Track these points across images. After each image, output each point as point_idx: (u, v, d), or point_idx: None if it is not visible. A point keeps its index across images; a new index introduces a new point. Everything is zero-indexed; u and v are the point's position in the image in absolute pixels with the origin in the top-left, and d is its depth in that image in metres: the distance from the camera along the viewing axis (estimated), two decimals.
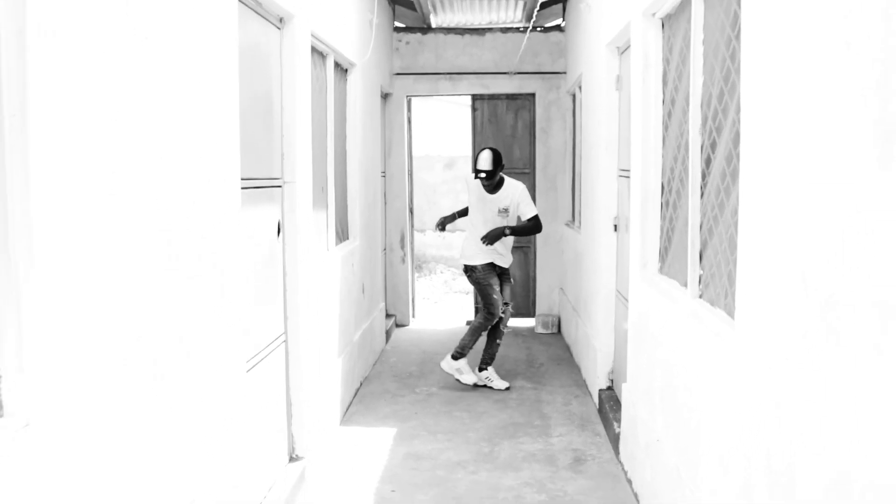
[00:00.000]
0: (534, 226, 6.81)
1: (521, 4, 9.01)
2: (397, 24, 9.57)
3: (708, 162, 3.78)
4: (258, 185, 4.22)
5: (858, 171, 1.97)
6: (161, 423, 2.84)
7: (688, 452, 3.63)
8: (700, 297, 3.82)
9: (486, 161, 6.61)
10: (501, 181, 6.83)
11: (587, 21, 7.20)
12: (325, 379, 5.50)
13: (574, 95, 8.86)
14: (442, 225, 7.13)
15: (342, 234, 6.65)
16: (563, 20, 9.43)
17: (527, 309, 9.89)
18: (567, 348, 8.51)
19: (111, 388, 2.46)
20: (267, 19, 4.39)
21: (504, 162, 6.81)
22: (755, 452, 2.69)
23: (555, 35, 9.45)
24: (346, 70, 6.75)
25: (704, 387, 3.40)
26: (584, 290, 7.35)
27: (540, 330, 9.42)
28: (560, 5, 9.38)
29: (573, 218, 8.84)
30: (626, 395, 5.06)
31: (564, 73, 9.35)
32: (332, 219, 6.10)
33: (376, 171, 8.22)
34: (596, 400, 6.37)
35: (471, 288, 12.50)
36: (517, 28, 9.52)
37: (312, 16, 5.05)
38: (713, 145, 3.69)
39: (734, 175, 3.38)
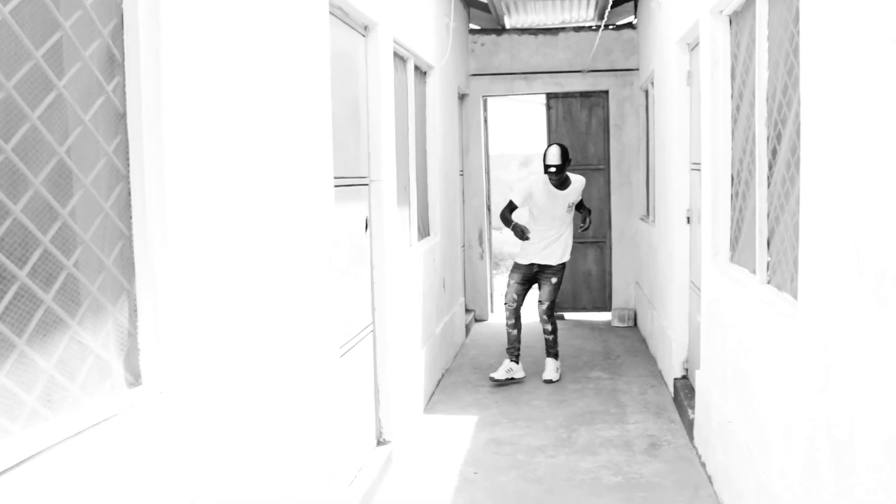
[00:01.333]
0: (586, 209, 7.36)
1: (593, 3, 9.21)
2: (472, 26, 9.85)
3: (774, 153, 3.94)
4: (348, 183, 4.54)
5: None
6: (271, 398, 3.17)
7: (757, 431, 3.80)
8: (768, 282, 3.98)
9: (554, 156, 6.83)
10: (567, 177, 7.03)
11: (658, 19, 7.35)
12: (409, 368, 5.80)
13: (647, 91, 8.99)
14: (522, 232, 6.98)
15: (424, 231, 6.95)
16: (636, 17, 9.56)
17: (603, 303, 10.07)
18: (643, 341, 8.65)
19: (232, 363, 2.79)
20: (353, 27, 4.70)
21: (576, 157, 7.04)
22: (818, 423, 2.87)
23: (627, 32, 9.59)
24: (425, 73, 7.04)
25: (771, 367, 3.57)
26: (659, 282, 7.49)
27: (616, 323, 9.57)
28: (632, 3, 9.53)
29: (647, 212, 8.98)
30: (700, 381, 5.22)
31: (637, 69, 9.49)
32: (415, 216, 6.39)
33: (455, 170, 8.51)
34: (671, 389, 6.52)
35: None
36: (590, 27, 9.70)
37: (394, 23, 5.35)
38: (778, 137, 3.85)
39: (798, 165, 3.54)
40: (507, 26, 9.89)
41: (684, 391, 6.05)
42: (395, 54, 5.71)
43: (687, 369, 6.39)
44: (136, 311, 2.33)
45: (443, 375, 7.31)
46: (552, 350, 7.18)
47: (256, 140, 3.04)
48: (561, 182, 6.96)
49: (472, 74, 9.78)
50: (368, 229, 4.98)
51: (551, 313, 7.15)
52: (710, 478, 4.78)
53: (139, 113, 2.29)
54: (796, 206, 3.56)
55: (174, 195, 2.39)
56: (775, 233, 3.92)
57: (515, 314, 7.10)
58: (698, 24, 5.32)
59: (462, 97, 9.49)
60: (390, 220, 5.21)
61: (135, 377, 2.32)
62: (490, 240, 10.41)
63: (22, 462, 1.75)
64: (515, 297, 7.12)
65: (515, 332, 7.08)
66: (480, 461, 5.22)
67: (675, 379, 6.42)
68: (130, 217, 2.31)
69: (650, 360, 7.79)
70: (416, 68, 6.62)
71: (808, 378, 2.99)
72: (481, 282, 10.07)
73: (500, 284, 12.93)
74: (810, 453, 2.96)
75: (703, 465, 4.98)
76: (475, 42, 9.79)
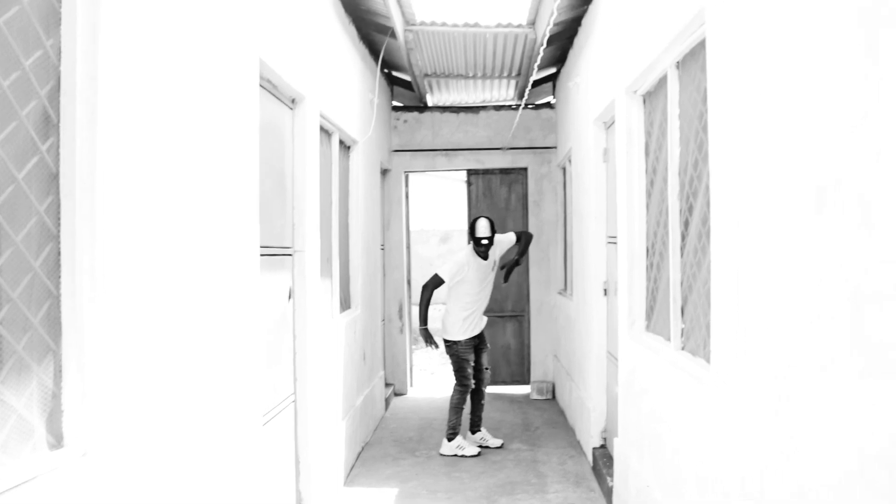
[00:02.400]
0: (523, 239, 7.44)
1: (513, 84, 9.53)
2: (395, 103, 10.06)
3: (686, 224, 4.13)
4: (272, 252, 4.56)
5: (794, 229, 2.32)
6: (194, 465, 3.12)
7: (675, 492, 3.89)
8: (682, 349, 4.14)
9: (485, 228, 7.02)
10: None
11: (575, 98, 7.66)
12: (329, 440, 5.74)
13: (564, 169, 9.29)
14: (428, 337, 7.13)
15: (345, 303, 6.96)
16: (554, 97, 9.92)
17: (522, 376, 10.17)
18: (561, 412, 8.74)
19: (156, 428, 2.75)
20: (281, 100, 4.79)
21: (496, 227, 7.26)
22: (732, 479, 2.97)
23: (545, 112, 9.94)
24: (349, 147, 7.15)
25: (687, 428, 3.69)
26: (577, 353, 7.63)
27: (535, 396, 9.66)
28: (550, 83, 9.89)
29: (565, 286, 9.18)
30: (618, 448, 5.31)
31: (555, 147, 9.81)
32: (337, 287, 6.41)
33: (376, 243, 8.58)
34: (590, 458, 6.60)
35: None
36: (509, 105, 10.02)
37: (320, 97, 5.46)
38: (690, 209, 4.05)
39: (708, 235, 3.73)
40: (430, 104, 10.14)
41: (603, 460, 6.13)
42: (321, 128, 5.80)
43: (605, 438, 6.48)
44: (61, 371, 2.30)
45: (363, 448, 7.24)
46: (482, 417, 7.40)
47: (185, 207, 3.06)
48: (485, 254, 7.16)
49: (395, 150, 9.95)
50: (291, 299, 4.98)
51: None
52: None
53: (73, 173, 2.30)
54: (708, 273, 3.73)
55: (104, 256, 2.39)
56: (688, 300, 4.09)
57: (469, 393, 7.20)
58: (614, 104, 5.58)
59: (384, 172, 9.63)
60: (313, 291, 5.22)
61: (57, 439, 2.28)
62: (409, 314, 10.45)
63: None
64: (473, 378, 7.22)
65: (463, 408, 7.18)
66: None
67: (593, 448, 6.50)
68: (59, 276, 2.29)
69: (569, 431, 7.87)
70: (341, 142, 6.73)
71: (721, 436, 3.11)
72: (401, 355, 10.07)
73: (419, 359, 12.95)
74: None
75: None
76: (398, 119, 9.99)
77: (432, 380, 11.40)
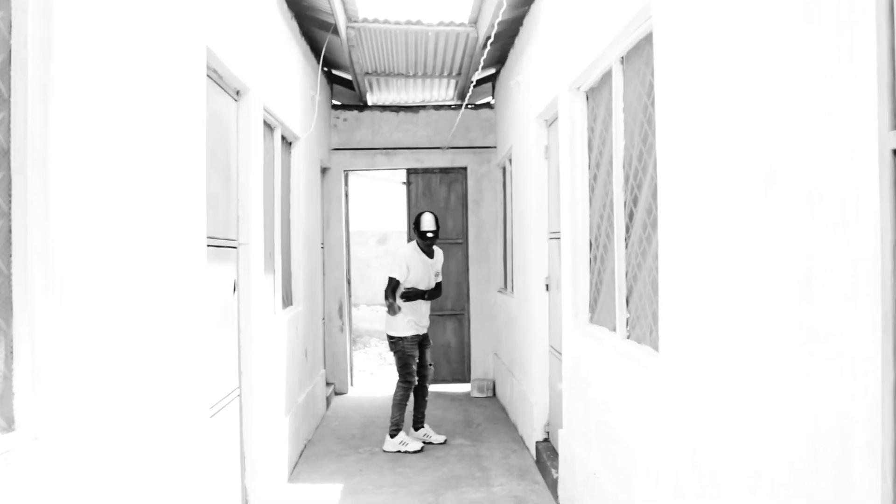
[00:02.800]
0: (441, 288, 7.51)
1: (453, 84, 9.57)
2: (335, 101, 10.02)
3: (631, 216, 4.21)
4: (217, 244, 4.50)
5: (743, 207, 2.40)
6: (142, 453, 3.06)
7: (623, 477, 3.96)
8: (628, 337, 4.21)
9: (430, 222, 7.07)
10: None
11: (516, 97, 7.74)
12: (274, 436, 5.69)
13: (504, 168, 9.37)
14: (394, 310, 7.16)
15: (287, 300, 6.90)
16: (493, 98, 10.00)
17: (462, 374, 10.20)
18: (503, 409, 8.81)
19: (105, 414, 2.70)
20: (226, 91, 4.73)
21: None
22: (682, 454, 3.04)
23: (485, 112, 10.01)
24: (291, 143, 7.10)
25: (635, 413, 3.76)
26: (519, 349, 7.70)
27: (476, 394, 9.71)
28: (489, 84, 9.97)
29: (505, 284, 9.25)
30: (563, 439, 5.38)
31: (494, 147, 9.88)
32: (279, 283, 6.36)
33: (317, 242, 8.52)
34: (533, 453, 6.66)
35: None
36: (449, 105, 10.06)
37: (264, 90, 5.42)
38: (635, 200, 4.13)
39: (654, 225, 3.82)
40: (370, 103, 10.12)
41: (546, 453, 6.20)
42: (265, 122, 5.75)
43: (548, 432, 6.55)
44: (12, 352, 2.24)
45: (305, 446, 7.19)
46: (425, 413, 7.44)
47: (134, 191, 3.01)
48: (431, 250, 7.19)
49: (334, 149, 9.91)
50: (236, 292, 4.93)
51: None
52: None
53: (24, 149, 2.25)
54: (653, 263, 3.82)
55: (57, 235, 2.34)
56: (633, 290, 4.17)
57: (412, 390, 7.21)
58: (557, 100, 5.66)
59: (324, 171, 9.58)
60: (258, 285, 5.17)
61: (8, 422, 2.22)
62: (350, 313, 10.41)
63: None
64: (416, 374, 7.24)
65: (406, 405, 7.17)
66: None
67: (536, 442, 6.57)
68: (10, 255, 2.24)
69: (511, 427, 7.93)
70: (283, 138, 6.68)
71: (672, 417, 3.18)
72: (341, 354, 10.01)
73: (358, 360, 12.90)
74: (676, 482, 3.13)
75: None
76: (337, 117, 9.95)
77: (372, 380, 11.37)
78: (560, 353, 6.06)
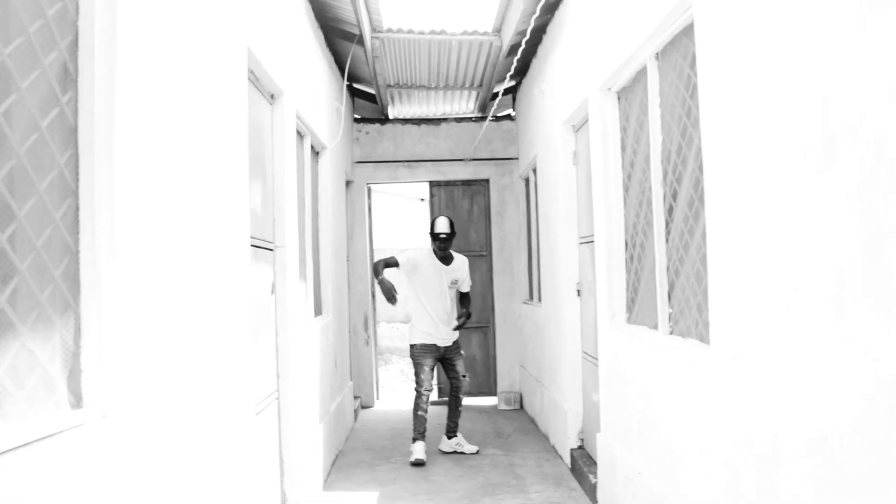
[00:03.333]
0: (469, 300, 7.39)
1: (474, 96, 9.62)
2: (356, 115, 10.07)
3: (670, 211, 4.20)
4: (257, 244, 4.51)
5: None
6: (194, 439, 3.06)
7: (670, 472, 3.92)
8: (671, 333, 4.19)
9: (443, 224, 6.99)
10: (450, 254, 7.19)
11: (541, 105, 7.76)
12: (309, 442, 5.67)
13: (528, 179, 9.38)
14: (389, 290, 6.78)
15: (317, 309, 6.90)
16: (514, 110, 10.03)
17: (488, 387, 10.16)
18: (532, 420, 8.76)
19: (166, 397, 2.70)
20: (262, 94, 4.77)
21: (459, 244, 7.19)
22: (737, 434, 3.01)
23: (506, 124, 10.04)
24: (318, 153, 7.14)
25: (682, 405, 3.73)
26: (548, 357, 7.67)
27: (503, 406, 9.66)
28: (510, 96, 10.00)
29: (531, 295, 9.23)
30: (602, 442, 5.34)
31: (517, 158, 9.90)
32: (311, 291, 6.37)
33: (343, 253, 8.54)
34: (568, 461, 6.61)
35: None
36: (471, 118, 10.09)
37: (296, 96, 5.45)
38: (674, 195, 4.12)
39: (696, 217, 3.81)
40: (391, 116, 10.17)
41: (582, 460, 6.15)
42: (296, 129, 5.78)
43: (583, 439, 6.51)
44: (80, 329, 2.25)
45: (337, 456, 7.16)
46: (458, 424, 7.33)
47: (185, 183, 3.03)
48: (445, 256, 7.10)
49: (357, 162, 9.95)
50: (274, 294, 4.94)
51: (469, 384, 7.30)
52: None
53: (91, 128, 2.27)
54: (696, 255, 3.80)
55: (123, 214, 2.35)
56: (676, 285, 4.15)
57: (428, 400, 7.10)
58: (587, 103, 5.67)
59: (348, 184, 9.61)
60: (294, 288, 5.18)
61: (77, 399, 2.22)
62: (375, 326, 10.40)
63: None
64: (431, 385, 7.14)
65: (426, 415, 7.03)
66: None
67: (571, 449, 6.52)
68: (78, 233, 2.25)
69: (541, 437, 7.88)
70: (312, 147, 6.71)
71: (725, 401, 3.15)
72: (367, 368, 10.00)
73: (383, 375, 12.87)
74: (731, 474, 3.09)
75: None
76: (360, 130, 10.00)
77: (395, 395, 11.34)
78: (594, 358, 6.03)
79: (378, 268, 6.93)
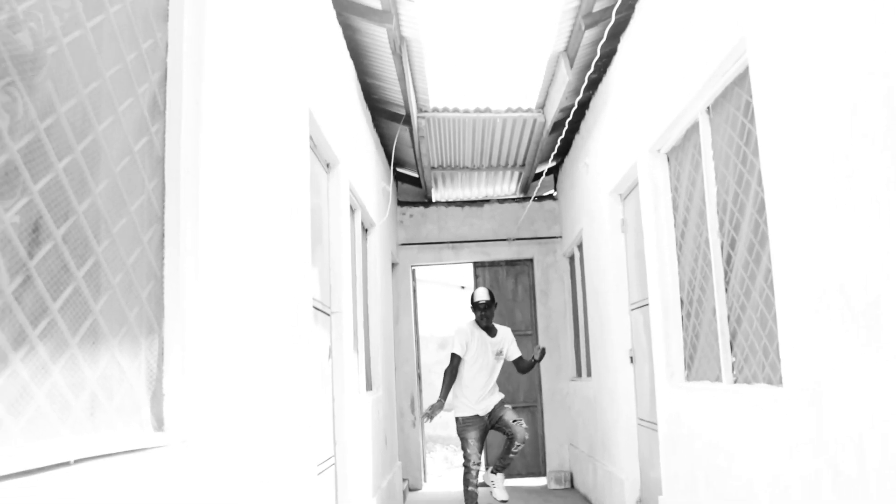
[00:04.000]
0: (525, 364, 6.97)
1: (516, 177, 9.76)
2: (400, 199, 10.23)
3: (728, 260, 4.20)
4: (316, 307, 4.56)
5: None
6: (262, 481, 3.04)
7: None
8: (734, 382, 4.12)
9: (483, 293, 6.81)
10: (493, 326, 6.98)
11: (585, 180, 7.84)
12: None
13: (571, 257, 9.41)
14: (430, 415, 6.56)
15: (368, 384, 6.88)
16: (556, 190, 10.14)
17: (537, 467, 9.96)
18: (584, 498, 8.54)
19: (240, 431, 2.70)
20: (319, 161, 4.89)
21: (504, 323, 7.01)
22: (824, 475, 2.93)
23: (549, 203, 10.13)
24: (367, 230, 7.24)
25: (753, 448, 3.63)
26: (601, 429, 7.53)
27: (553, 486, 9.45)
28: (552, 177, 10.13)
29: (578, 372, 9.13)
30: (664, 503, 5.20)
31: (559, 237, 9.94)
32: (363, 365, 6.36)
33: (390, 332, 8.55)
34: None
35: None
36: (513, 198, 10.21)
37: (349, 167, 5.58)
38: (732, 243, 4.13)
39: (757, 261, 3.80)
40: (434, 199, 10.32)
41: None
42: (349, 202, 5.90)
43: None
44: (163, 354, 2.28)
45: None
46: (507, 466, 6.99)
47: (259, 236, 3.10)
48: (489, 328, 6.91)
49: (402, 244, 10.05)
50: (331, 359, 4.95)
51: (527, 430, 6.91)
52: None
53: (178, 158, 2.35)
54: (759, 298, 3.78)
55: (207, 241, 2.41)
56: (737, 333, 4.11)
57: (478, 475, 6.85)
58: (636, 167, 5.73)
59: (393, 266, 9.69)
60: (349, 354, 5.19)
61: (158, 423, 2.24)
62: (421, 407, 10.30)
63: (60, 466, 1.65)
64: (479, 458, 6.77)
65: (478, 490, 6.80)
66: None
67: None
68: (163, 258, 2.31)
69: None
70: (361, 224, 6.81)
71: (801, 438, 3.07)
72: (414, 449, 9.86)
73: (431, 462, 12.66)
74: (815, 499, 3.00)
75: None
76: (404, 213, 10.14)
77: (441, 481, 11.13)
78: (650, 423, 5.93)
79: (447, 378, 6.76)
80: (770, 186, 3.38)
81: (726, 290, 4.24)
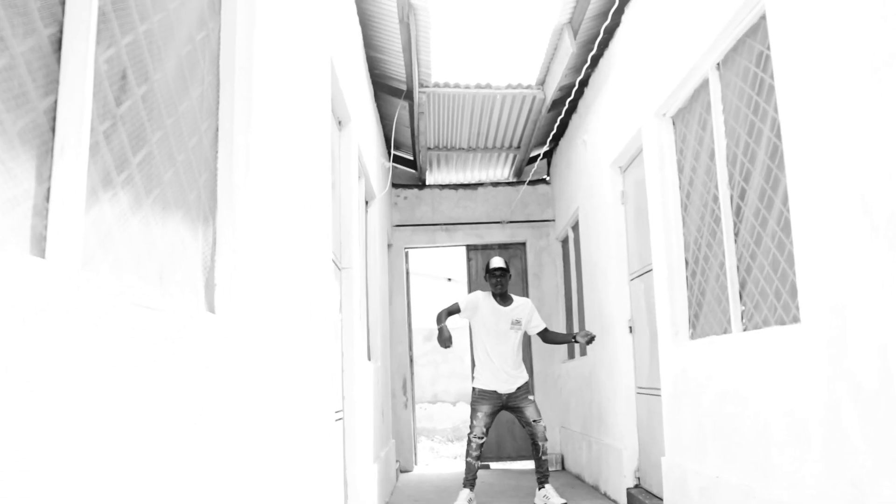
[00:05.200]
0: (552, 335, 7.02)
1: (510, 160, 9.84)
2: (394, 181, 10.28)
3: (738, 211, 4.29)
4: (333, 259, 4.59)
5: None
6: (301, 401, 3.08)
7: (754, 465, 3.87)
8: (744, 330, 4.21)
9: (498, 260, 6.85)
10: (509, 297, 6.99)
11: (583, 156, 7.93)
12: (367, 476, 5.59)
13: (565, 240, 9.49)
14: (447, 338, 6.53)
15: (368, 354, 6.90)
16: (549, 175, 10.23)
17: (528, 451, 9.99)
18: (577, 477, 8.61)
19: (282, 330, 2.74)
20: (333, 117, 4.92)
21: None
22: (844, 395, 3.00)
23: (542, 187, 10.22)
24: (367, 202, 7.28)
25: (768, 390, 3.70)
26: (598, 404, 7.59)
27: None
28: (545, 161, 10.22)
29: (570, 355, 9.21)
30: (668, 464, 5.26)
31: (552, 220, 10.03)
32: (365, 333, 6.38)
33: (385, 310, 8.58)
34: (625, 501, 6.48)
35: (458, 452, 12.45)
36: (507, 182, 10.29)
37: (357, 132, 5.62)
38: (741, 194, 4.22)
39: (769, 206, 3.89)
40: (428, 182, 10.37)
41: (640, 497, 6.04)
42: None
43: (639, 477, 6.40)
44: (216, 245, 2.32)
45: None
46: (548, 473, 6.84)
47: (289, 203, 3.15)
48: (503, 296, 6.92)
49: (396, 225, 10.10)
50: (341, 313, 4.98)
51: (546, 429, 6.85)
52: None
53: (232, 56, 2.39)
54: (771, 243, 3.87)
55: (258, 136, 2.45)
56: (747, 282, 4.19)
57: (481, 447, 6.80)
58: (640, 134, 5.83)
59: (387, 247, 9.72)
60: (359, 308, 5.23)
61: (210, 308, 2.27)
62: (413, 389, 10.33)
63: (141, 307, 1.69)
64: (485, 430, 6.71)
65: (478, 463, 6.77)
66: None
67: (627, 489, 6.40)
68: (217, 151, 2.35)
69: (590, 489, 7.73)
70: (364, 194, 6.86)
71: (819, 364, 3.15)
72: (406, 431, 9.89)
73: (421, 449, 12.67)
74: (834, 423, 3.07)
75: None
76: (398, 195, 10.19)
77: (429, 468, 11.16)
78: (651, 389, 6.00)
79: (441, 316, 6.76)
80: (785, 106, 3.45)
81: (735, 241, 4.33)
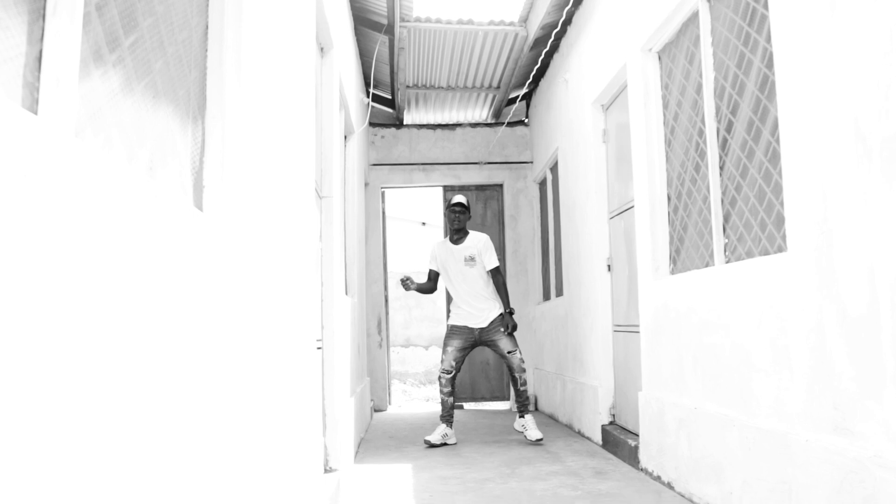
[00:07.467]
0: (501, 281, 7.07)
1: (489, 101, 9.74)
2: (372, 120, 10.15)
3: (724, 144, 4.26)
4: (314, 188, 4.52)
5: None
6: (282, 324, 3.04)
7: (736, 393, 3.90)
8: (727, 262, 4.21)
9: (459, 197, 7.06)
10: (465, 234, 7.07)
11: (564, 96, 7.86)
12: (344, 408, 5.59)
13: (542, 182, 9.46)
14: (406, 284, 6.92)
15: (346, 288, 6.86)
16: (527, 117, 10.15)
17: (501, 392, 10.09)
18: (550, 417, 8.70)
19: (267, 230, 2.69)
20: (316, 42, 4.81)
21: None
22: (829, 320, 3.01)
23: (520, 129, 10.15)
24: (346, 137, 7.17)
25: (750, 318, 3.71)
26: (573, 343, 7.63)
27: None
28: (524, 103, 10.14)
29: (545, 296, 9.23)
30: (645, 398, 5.30)
31: (530, 163, 9.98)
32: (343, 266, 6.33)
33: (362, 248, 8.53)
34: (598, 439, 6.55)
35: (431, 395, 12.61)
36: (486, 123, 10.20)
37: (340, 60, 5.50)
38: (728, 127, 4.19)
39: (756, 137, 3.87)
40: (406, 122, 10.25)
41: (615, 433, 6.10)
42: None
43: (614, 414, 6.47)
44: (204, 146, 2.25)
45: (360, 441, 7.05)
46: (528, 403, 7.06)
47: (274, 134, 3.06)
48: (458, 232, 7.02)
49: (373, 164, 10.00)
50: (322, 240, 4.92)
51: (523, 361, 6.96)
52: (669, 484, 4.80)
53: None
54: (757, 174, 3.85)
55: (249, 31, 2.37)
56: (731, 215, 4.19)
57: (452, 382, 6.92)
58: (625, 70, 5.77)
59: (364, 186, 9.63)
60: (339, 238, 5.17)
61: (198, 206, 2.21)
62: (388, 329, 10.34)
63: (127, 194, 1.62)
64: (454, 364, 6.88)
65: (451, 399, 6.90)
66: (431, 489, 5.03)
67: (602, 426, 6.47)
68: (206, 50, 2.26)
69: (563, 428, 7.81)
70: (343, 127, 6.75)
71: (804, 291, 3.15)
72: (380, 371, 9.91)
73: (393, 392, 12.74)
74: (818, 351, 3.09)
75: (658, 478, 5.00)
76: (375, 135, 10.07)
77: (402, 409, 11.22)
78: (628, 326, 6.03)
79: (422, 288, 7.12)
80: (779, 33, 3.41)
81: (721, 174, 4.31)
